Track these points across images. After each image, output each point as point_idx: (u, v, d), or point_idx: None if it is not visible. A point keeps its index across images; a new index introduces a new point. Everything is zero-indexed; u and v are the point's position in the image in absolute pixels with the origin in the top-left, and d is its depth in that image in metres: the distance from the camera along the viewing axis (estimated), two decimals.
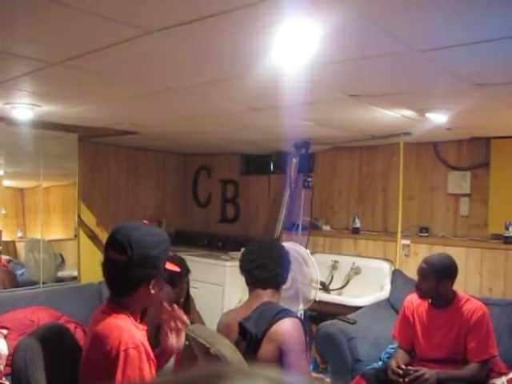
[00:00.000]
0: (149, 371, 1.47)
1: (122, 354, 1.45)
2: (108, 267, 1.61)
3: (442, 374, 2.62)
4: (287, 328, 1.98)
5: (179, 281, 3.06)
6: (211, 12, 1.55)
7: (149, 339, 1.61)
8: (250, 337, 2.00)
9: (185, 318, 1.75)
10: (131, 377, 1.42)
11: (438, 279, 2.69)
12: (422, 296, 2.80)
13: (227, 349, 1.85)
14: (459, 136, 3.89)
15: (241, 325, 2.06)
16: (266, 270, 2.16)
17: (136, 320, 1.63)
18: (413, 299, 2.90)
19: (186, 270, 3.19)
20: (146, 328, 1.66)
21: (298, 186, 4.41)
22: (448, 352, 2.72)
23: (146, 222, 1.71)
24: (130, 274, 1.58)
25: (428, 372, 2.61)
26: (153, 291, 1.61)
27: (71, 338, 1.78)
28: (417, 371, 2.62)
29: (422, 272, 2.75)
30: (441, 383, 2.60)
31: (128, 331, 1.52)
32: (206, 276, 4.51)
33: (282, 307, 2.12)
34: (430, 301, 2.83)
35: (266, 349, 1.97)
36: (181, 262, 3.05)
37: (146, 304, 1.69)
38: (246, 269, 2.21)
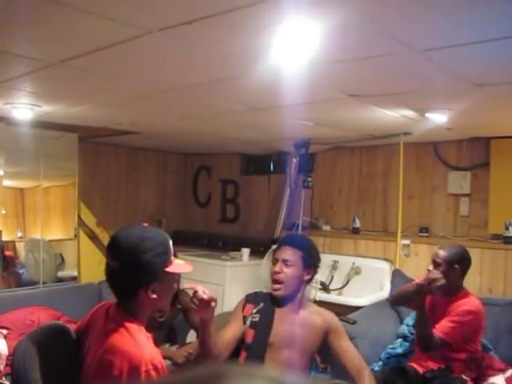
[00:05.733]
0: None
1: (143, 376, 1.45)
2: (106, 273, 1.62)
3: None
4: None
5: None
6: (211, 12, 1.55)
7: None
8: None
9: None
10: None
11: (448, 264, 2.75)
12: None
13: None
14: (459, 136, 3.89)
15: None
16: None
17: (143, 326, 1.62)
18: None
19: None
20: (151, 335, 1.65)
21: (298, 186, 4.41)
22: None
23: (145, 224, 1.68)
24: (123, 280, 1.58)
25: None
26: (154, 296, 1.59)
27: (71, 336, 1.78)
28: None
29: (434, 257, 2.82)
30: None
31: (147, 349, 1.51)
32: (206, 276, 4.50)
33: None
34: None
35: None
36: None
37: (149, 310, 1.67)
38: None
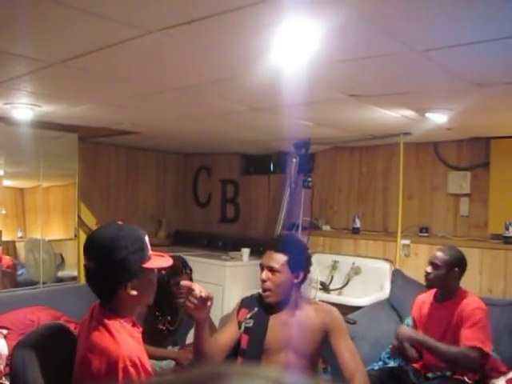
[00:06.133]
0: None
1: (120, 373, 1.44)
2: (84, 274, 1.63)
3: (420, 337, 2.70)
4: None
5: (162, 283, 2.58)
6: (211, 12, 1.55)
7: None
8: None
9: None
10: None
11: (449, 267, 2.77)
12: (431, 284, 2.86)
13: None
14: (459, 136, 3.89)
15: None
16: None
17: (129, 323, 1.62)
18: (418, 301, 2.98)
19: (173, 272, 2.80)
20: (141, 330, 1.65)
21: (298, 186, 4.41)
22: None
23: (120, 222, 1.68)
24: (101, 280, 1.59)
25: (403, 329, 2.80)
26: (134, 293, 1.58)
27: (71, 336, 1.78)
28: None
29: (434, 259, 2.83)
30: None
31: (125, 345, 1.51)
32: (206, 276, 4.50)
33: None
34: (434, 295, 2.88)
35: None
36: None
37: (132, 306, 1.67)
38: None
